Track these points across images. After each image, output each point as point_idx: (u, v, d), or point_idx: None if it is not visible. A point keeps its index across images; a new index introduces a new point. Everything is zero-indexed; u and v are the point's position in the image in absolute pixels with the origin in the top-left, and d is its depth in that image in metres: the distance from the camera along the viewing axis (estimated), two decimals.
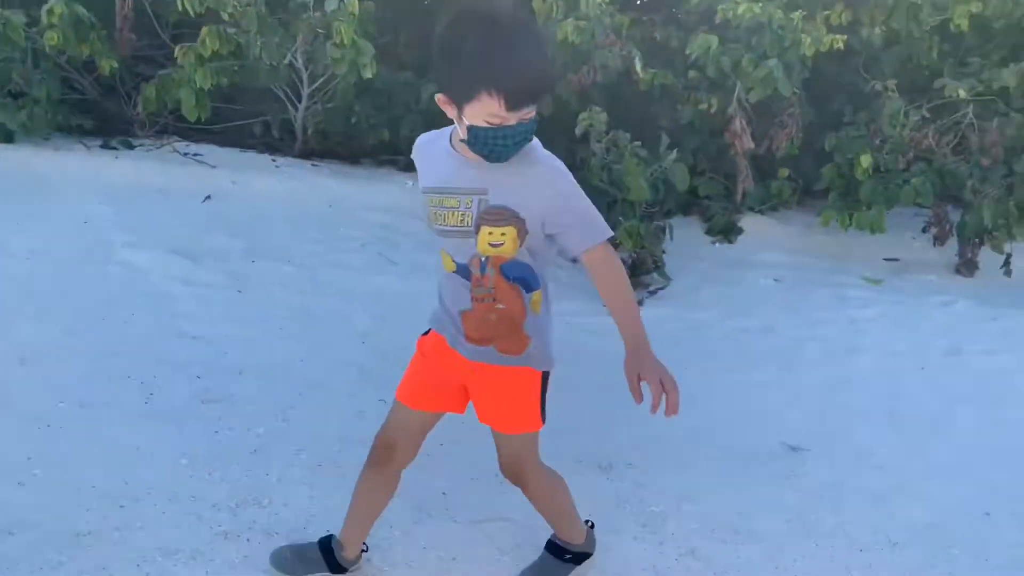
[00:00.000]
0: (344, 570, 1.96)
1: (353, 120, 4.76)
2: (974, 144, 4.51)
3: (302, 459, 2.46)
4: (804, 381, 3.42)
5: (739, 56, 4.37)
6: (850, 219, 4.51)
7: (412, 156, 1.79)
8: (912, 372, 3.53)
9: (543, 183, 1.58)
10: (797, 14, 4.36)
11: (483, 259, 1.62)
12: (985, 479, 2.74)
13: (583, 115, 4.18)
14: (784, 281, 4.48)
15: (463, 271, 1.65)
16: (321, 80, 4.59)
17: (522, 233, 1.59)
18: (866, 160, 4.43)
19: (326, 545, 1.96)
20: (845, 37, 4.47)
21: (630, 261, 4.14)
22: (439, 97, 1.55)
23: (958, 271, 4.74)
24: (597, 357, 2.73)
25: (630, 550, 2.24)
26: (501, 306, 1.65)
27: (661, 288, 4.21)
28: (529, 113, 1.50)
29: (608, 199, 4.05)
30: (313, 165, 4.85)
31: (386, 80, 4.71)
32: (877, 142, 4.55)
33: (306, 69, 4.53)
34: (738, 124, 4.40)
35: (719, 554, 2.26)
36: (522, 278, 1.65)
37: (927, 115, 4.57)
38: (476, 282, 1.64)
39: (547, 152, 1.63)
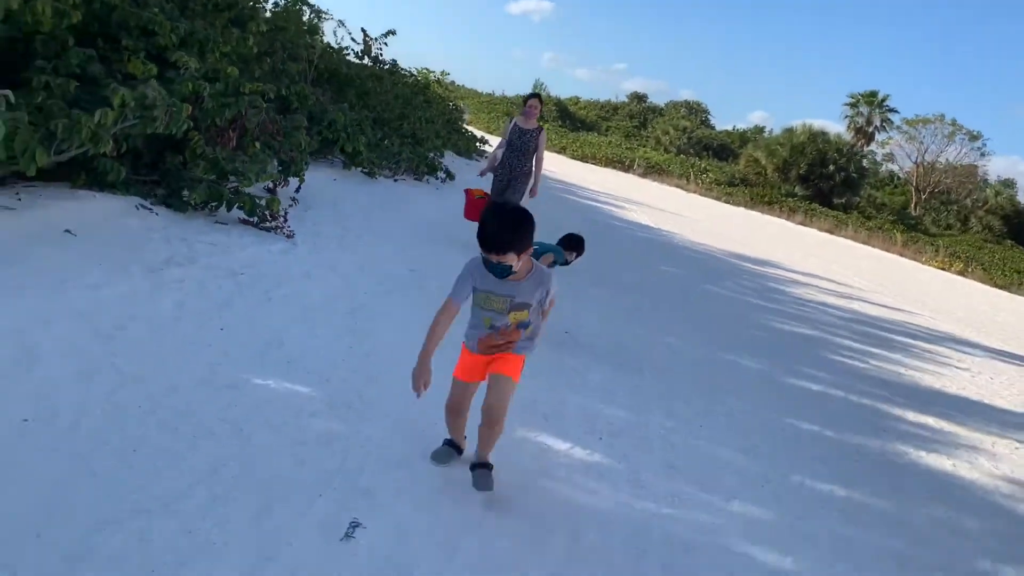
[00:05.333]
0: (462, 450, 3.61)
1: None
2: None
3: None
4: None
5: None
6: None
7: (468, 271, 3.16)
8: None
9: (542, 286, 3.23)
10: None
11: (508, 324, 3.24)
12: None
13: None
14: None
15: (495, 327, 3.26)
16: None
17: (531, 311, 3.26)
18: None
19: (451, 443, 3.57)
20: None
21: None
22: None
23: None
24: None
25: None
26: (506, 341, 3.30)
27: None
28: (501, 258, 2.99)
29: None
30: None
31: None
32: None
33: None
34: None
35: None
36: (525, 325, 3.30)
37: None
38: (502, 333, 3.27)
39: (546, 268, 3.27)
